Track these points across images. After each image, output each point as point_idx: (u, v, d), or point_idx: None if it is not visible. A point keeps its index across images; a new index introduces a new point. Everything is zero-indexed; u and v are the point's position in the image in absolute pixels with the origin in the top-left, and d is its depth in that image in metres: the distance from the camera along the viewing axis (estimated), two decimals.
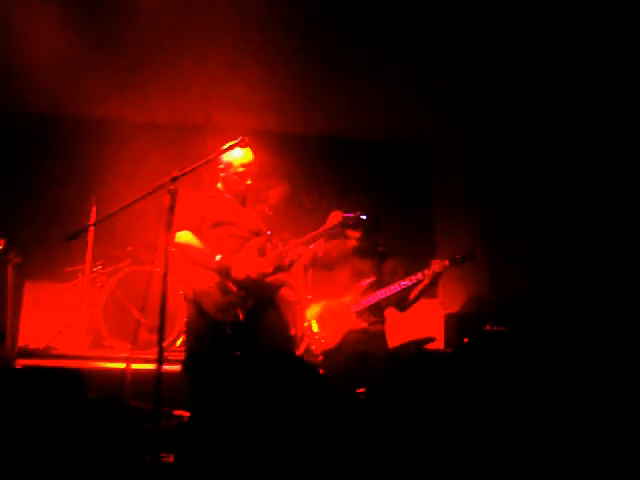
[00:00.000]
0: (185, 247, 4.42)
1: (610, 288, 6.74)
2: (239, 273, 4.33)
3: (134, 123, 7.76)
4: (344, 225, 5.07)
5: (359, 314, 5.33)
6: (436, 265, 5.29)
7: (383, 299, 5.31)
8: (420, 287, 5.37)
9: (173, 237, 4.33)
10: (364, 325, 5.34)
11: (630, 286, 6.59)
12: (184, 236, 4.41)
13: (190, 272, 4.45)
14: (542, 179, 7.65)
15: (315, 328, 5.36)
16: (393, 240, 5.86)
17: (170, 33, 6.66)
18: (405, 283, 5.27)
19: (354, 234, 5.47)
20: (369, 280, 5.38)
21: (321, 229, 4.82)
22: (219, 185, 4.67)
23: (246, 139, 4.17)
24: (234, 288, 4.34)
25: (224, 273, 4.33)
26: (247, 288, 4.36)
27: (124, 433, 3.76)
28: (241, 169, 4.55)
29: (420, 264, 5.38)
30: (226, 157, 4.54)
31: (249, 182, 4.59)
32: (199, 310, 4.34)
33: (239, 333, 4.38)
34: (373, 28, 6.81)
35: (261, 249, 4.58)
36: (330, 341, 5.29)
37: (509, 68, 7.14)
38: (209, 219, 4.51)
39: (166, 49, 6.82)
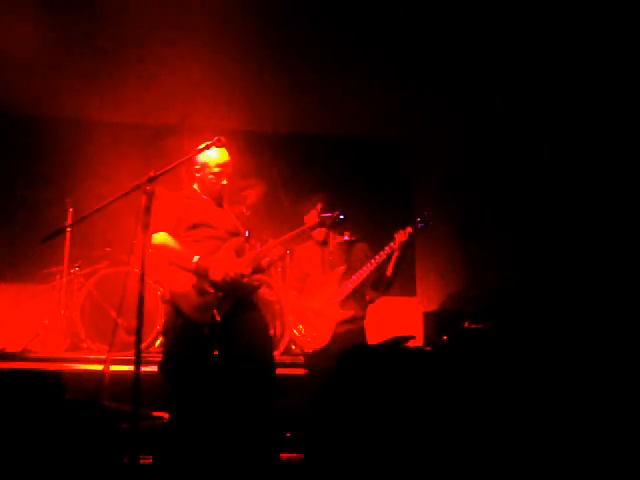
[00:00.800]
0: (162, 248, 4.39)
1: (592, 286, 6.78)
2: (216, 274, 4.30)
3: (110, 123, 7.72)
4: (322, 225, 5.09)
5: (342, 304, 5.35)
6: (400, 235, 5.33)
7: (360, 282, 5.34)
8: (393, 261, 5.41)
9: (150, 238, 4.30)
10: (351, 313, 5.36)
11: (612, 284, 6.64)
12: (161, 237, 4.38)
13: (167, 273, 4.43)
14: (523, 177, 7.69)
15: (303, 330, 5.36)
16: (370, 238, 5.86)
17: (145, 33, 6.61)
18: (376, 260, 5.32)
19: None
20: (341, 268, 5.41)
21: (299, 229, 4.83)
22: (195, 186, 4.65)
23: (222, 139, 4.16)
24: (211, 289, 4.33)
25: (202, 274, 4.31)
26: (225, 289, 4.34)
27: (101, 435, 3.74)
28: (217, 169, 4.53)
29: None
30: (202, 158, 4.52)
31: (225, 182, 4.57)
32: (176, 311, 4.32)
33: (217, 334, 4.36)
34: (351, 25, 6.81)
35: (239, 250, 4.56)
36: (322, 339, 5.28)
37: (493, 66, 7.17)
38: (186, 221, 4.48)
39: (141, 48, 6.77)
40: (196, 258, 4.32)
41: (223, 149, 4.54)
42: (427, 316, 7.49)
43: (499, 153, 7.86)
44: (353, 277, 5.36)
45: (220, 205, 4.66)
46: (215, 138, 4.14)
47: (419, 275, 8.55)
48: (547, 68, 6.92)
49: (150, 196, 3.71)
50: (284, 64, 7.26)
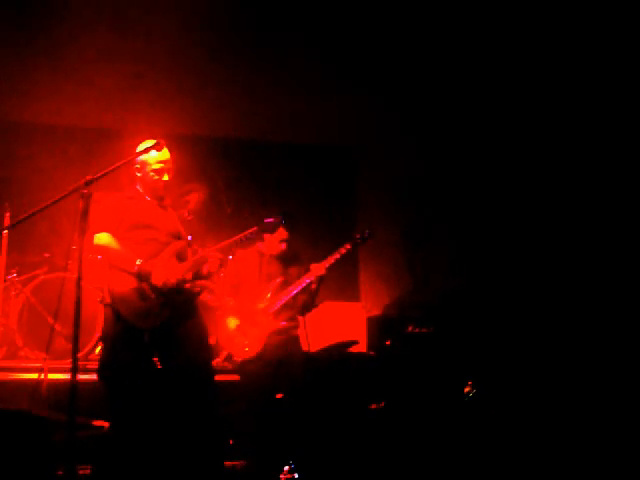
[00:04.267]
0: (104, 250, 4.31)
1: (536, 288, 6.87)
2: (158, 279, 4.23)
3: (49, 126, 7.56)
4: (263, 230, 5.05)
5: (276, 314, 5.36)
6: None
7: (293, 296, 5.37)
8: (308, 292, 5.45)
9: (91, 239, 4.22)
10: (284, 324, 5.38)
11: (554, 286, 6.74)
12: (103, 238, 4.29)
13: (108, 276, 4.34)
14: (465, 184, 7.77)
15: (236, 338, 5.33)
16: (315, 243, 5.87)
17: (84, 35, 6.52)
18: (294, 288, 5.38)
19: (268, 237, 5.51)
20: (278, 280, 5.42)
21: (241, 235, 4.77)
22: (138, 187, 4.57)
23: (162, 142, 4.12)
24: (153, 294, 4.24)
25: (144, 278, 4.23)
26: (166, 295, 4.26)
27: (33, 445, 3.65)
28: (157, 165, 4.43)
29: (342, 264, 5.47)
30: (142, 156, 4.45)
31: (166, 178, 4.48)
32: (116, 316, 4.23)
33: (156, 340, 4.29)
34: (296, 30, 6.80)
35: (180, 254, 4.46)
36: (253, 348, 5.27)
37: (438, 70, 7.23)
38: (127, 221, 4.39)
39: (81, 51, 6.66)
40: (139, 261, 4.23)
41: (163, 155, 4.49)
42: (370, 321, 7.50)
43: (443, 160, 7.93)
44: (288, 289, 5.38)
45: (163, 207, 4.58)
46: (155, 141, 4.09)
47: (363, 280, 8.56)
48: (490, 74, 7.00)
49: (87, 200, 3.64)
50: (228, 68, 7.22)
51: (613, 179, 6.45)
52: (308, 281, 5.36)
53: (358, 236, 5.58)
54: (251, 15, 6.61)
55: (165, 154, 4.49)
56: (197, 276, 4.47)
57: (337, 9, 6.54)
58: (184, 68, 6.97)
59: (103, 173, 3.80)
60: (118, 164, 3.95)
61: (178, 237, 4.53)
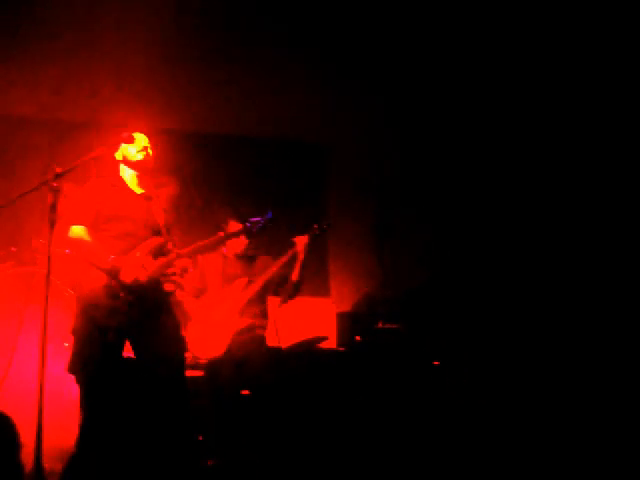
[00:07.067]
0: (77, 243, 4.23)
1: (507, 284, 6.93)
2: (127, 277, 4.12)
3: (18, 117, 7.46)
4: (248, 231, 4.83)
5: (242, 312, 5.33)
6: (301, 239, 5.46)
7: (256, 291, 5.34)
8: (298, 265, 5.45)
9: (60, 233, 4.14)
10: (249, 321, 5.35)
11: (525, 282, 6.81)
12: (77, 231, 4.21)
13: (79, 271, 4.27)
14: (435, 177, 7.82)
15: (201, 340, 5.29)
16: (282, 238, 5.85)
17: (60, 26, 6.45)
18: (276, 267, 5.41)
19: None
20: (242, 280, 5.40)
21: (218, 236, 4.69)
22: (123, 174, 4.49)
23: (131, 135, 4.09)
24: (122, 292, 4.13)
25: (114, 275, 4.12)
26: (135, 293, 4.15)
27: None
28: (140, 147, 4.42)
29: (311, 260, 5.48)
30: (122, 151, 4.42)
31: (150, 152, 4.46)
32: (84, 311, 4.17)
33: (124, 337, 4.24)
34: (275, 26, 6.79)
35: (156, 250, 4.30)
36: (217, 349, 5.23)
37: (413, 67, 7.26)
38: (105, 212, 4.29)
39: (54, 41, 6.60)
40: (111, 257, 4.13)
41: (144, 144, 4.44)
42: (340, 317, 7.50)
43: (411, 153, 7.97)
44: (253, 286, 5.36)
45: (147, 198, 4.48)
46: (123, 134, 4.06)
47: (332, 275, 8.56)
48: (460, 68, 7.05)
49: (56, 193, 3.61)
50: (199, 62, 7.19)
51: (587, 168, 6.54)
52: (293, 252, 5.37)
53: (316, 226, 5.60)
54: (227, 13, 6.60)
55: (141, 140, 4.44)
56: (164, 277, 4.34)
57: (313, 7, 6.54)
58: (160, 64, 6.92)
59: (72, 166, 3.77)
60: (86, 157, 3.92)
61: (157, 232, 4.40)
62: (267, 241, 5.80)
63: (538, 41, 6.55)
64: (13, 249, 6.80)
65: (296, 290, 5.59)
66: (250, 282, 5.41)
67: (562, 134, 6.71)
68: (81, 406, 4.22)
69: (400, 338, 6.56)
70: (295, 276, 5.51)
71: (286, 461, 4.97)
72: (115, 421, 4.26)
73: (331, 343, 7.04)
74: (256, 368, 5.24)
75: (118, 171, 4.51)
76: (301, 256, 5.44)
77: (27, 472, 3.67)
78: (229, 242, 5.51)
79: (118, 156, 4.46)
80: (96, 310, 4.13)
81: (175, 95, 7.43)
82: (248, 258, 5.62)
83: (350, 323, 7.22)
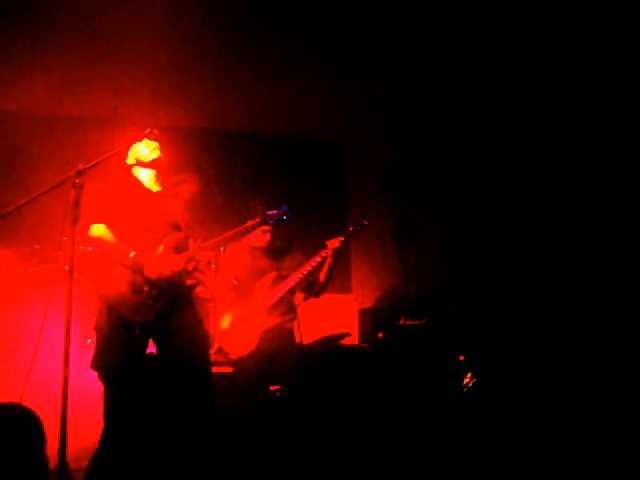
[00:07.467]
0: (99, 241, 4.27)
1: (526, 281, 6.89)
2: (152, 272, 4.18)
3: (39, 115, 7.50)
4: (266, 222, 4.82)
5: (270, 311, 5.31)
6: (333, 242, 5.37)
7: (288, 290, 5.31)
8: (326, 268, 5.42)
9: (83, 230, 4.17)
10: (277, 320, 5.33)
11: (544, 279, 6.75)
12: (99, 230, 4.25)
13: (102, 268, 4.30)
14: (457, 173, 7.78)
15: (230, 336, 5.29)
16: (306, 236, 5.84)
17: (76, 23, 6.46)
18: (306, 269, 5.32)
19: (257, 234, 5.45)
20: (270, 275, 5.38)
21: (240, 227, 4.68)
22: (138, 174, 4.53)
23: (155, 131, 4.08)
24: (146, 287, 4.19)
25: (137, 271, 4.18)
26: (160, 288, 4.22)
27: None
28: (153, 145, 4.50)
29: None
30: (134, 154, 4.46)
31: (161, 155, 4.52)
32: (108, 307, 4.19)
33: (150, 333, 4.26)
34: (290, 24, 6.77)
35: (178, 246, 4.38)
36: (247, 347, 5.23)
37: (430, 66, 7.22)
38: (125, 211, 4.34)
39: (72, 39, 6.62)
40: (133, 254, 4.18)
41: (154, 143, 4.46)
42: (362, 313, 7.49)
43: (433, 152, 7.93)
44: (283, 284, 5.33)
45: (164, 196, 4.53)
46: (147, 130, 4.06)
47: (354, 272, 8.55)
48: (476, 67, 7.01)
49: (79, 190, 3.62)
50: (220, 60, 7.19)
51: (598, 171, 6.48)
52: (324, 256, 5.32)
53: (351, 228, 5.54)
54: (253, 10, 6.58)
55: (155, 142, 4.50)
56: (185, 272, 4.37)
57: (334, 5, 6.52)
58: (179, 62, 6.93)
59: (95, 162, 3.78)
60: (109, 154, 3.93)
61: (177, 228, 4.46)
62: (289, 235, 5.76)
63: (551, 41, 6.50)
64: (37, 246, 6.85)
65: (321, 292, 5.59)
66: (279, 277, 5.39)
67: (580, 134, 6.65)
68: (105, 403, 4.23)
69: (422, 334, 6.53)
70: (323, 277, 5.50)
71: (306, 458, 4.96)
72: (139, 417, 4.26)
73: (353, 339, 7.03)
74: (286, 363, 5.23)
75: (132, 174, 4.55)
76: (330, 259, 5.41)
77: (52, 469, 3.68)
78: (255, 236, 5.49)
79: (130, 160, 4.52)
80: (122, 306, 4.16)
81: (195, 93, 7.44)
82: (276, 252, 5.58)
83: (372, 320, 7.21)
